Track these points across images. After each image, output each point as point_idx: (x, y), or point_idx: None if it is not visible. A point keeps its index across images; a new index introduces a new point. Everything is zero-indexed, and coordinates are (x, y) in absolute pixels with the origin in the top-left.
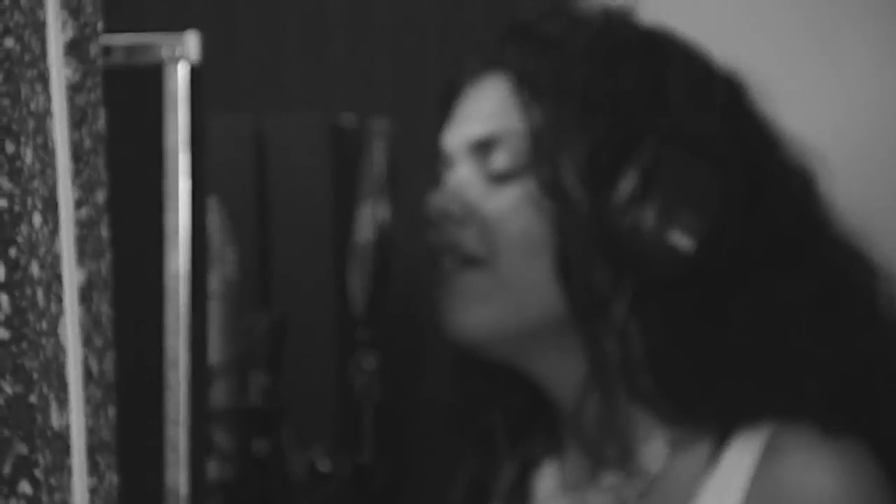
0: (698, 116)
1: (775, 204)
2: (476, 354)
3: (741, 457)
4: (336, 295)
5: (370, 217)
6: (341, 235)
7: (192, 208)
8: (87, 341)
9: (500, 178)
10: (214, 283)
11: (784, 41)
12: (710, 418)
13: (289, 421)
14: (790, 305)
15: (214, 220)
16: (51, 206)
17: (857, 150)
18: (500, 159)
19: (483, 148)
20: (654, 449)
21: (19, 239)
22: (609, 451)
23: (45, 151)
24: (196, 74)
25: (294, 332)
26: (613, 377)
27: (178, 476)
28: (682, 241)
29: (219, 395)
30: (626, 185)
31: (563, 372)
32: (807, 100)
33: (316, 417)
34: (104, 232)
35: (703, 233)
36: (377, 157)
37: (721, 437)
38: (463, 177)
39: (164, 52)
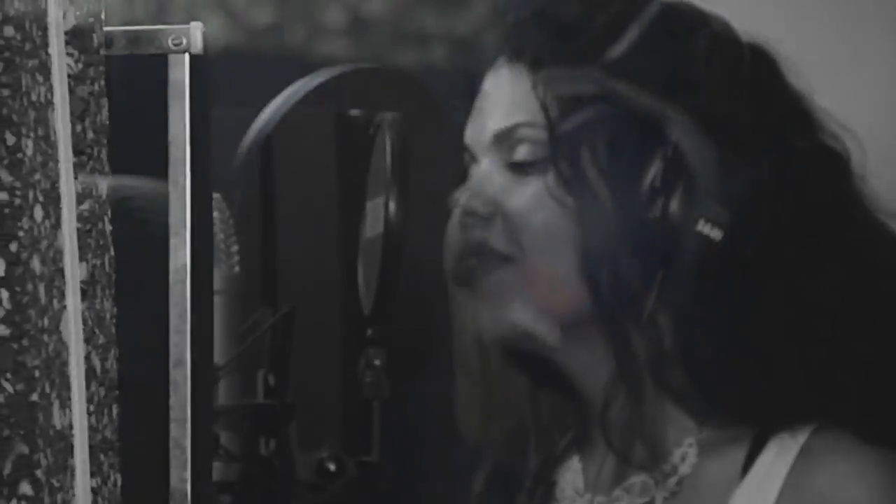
0: (725, 97)
1: (808, 188)
2: (505, 349)
3: (776, 462)
4: (344, 291)
5: (379, 212)
6: (349, 230)
7: (196, 202)
8: (89, 338)
9: (522, 172)
10: (219, 279)
11: (806, 31)
12: (743, 415)
13: (295, 420)
14: (825, 296)
15: (218, 214)
16: (52, 200)
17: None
18: (522, 153)
19: (504, 142)
20: (684, 451)
21: (20, 233)
22: (637, 451)
23: (47, 143)
24: (200, 65)
25: (301, 330)
26: (642, 373)
27: (182, 476)
28: (710, 230)
29: (224, 393)
30: (650, 174)
31: (592, 367)
32: (828, 92)
33: (323, 416)
34: (107, 226)
35: (732, 221)
36: (386, 150)
37: (755, 441)
38: (486, 172)
39: (168, 43)
